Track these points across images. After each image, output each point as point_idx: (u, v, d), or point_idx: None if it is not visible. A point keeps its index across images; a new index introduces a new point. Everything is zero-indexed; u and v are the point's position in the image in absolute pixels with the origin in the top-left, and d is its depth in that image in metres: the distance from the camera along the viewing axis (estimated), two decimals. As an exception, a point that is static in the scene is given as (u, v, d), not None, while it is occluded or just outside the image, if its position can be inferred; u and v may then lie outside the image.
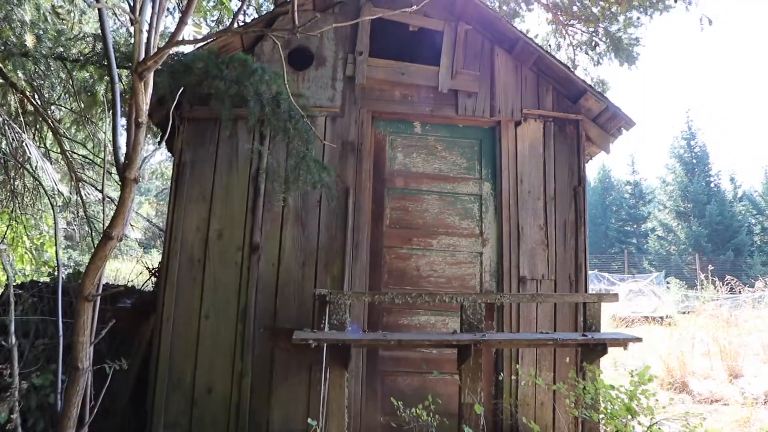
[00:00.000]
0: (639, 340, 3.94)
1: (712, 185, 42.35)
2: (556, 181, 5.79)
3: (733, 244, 37.83)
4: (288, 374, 5.04)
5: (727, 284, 13.35)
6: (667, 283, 26.28)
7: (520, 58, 5.94)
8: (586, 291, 5.56)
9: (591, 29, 9.20)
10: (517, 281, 5.51)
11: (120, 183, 2.79)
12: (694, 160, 43.09)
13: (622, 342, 3.92)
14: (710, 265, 13.27)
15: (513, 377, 5.22)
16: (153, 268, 6.82)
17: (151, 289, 6.67)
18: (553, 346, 4.60)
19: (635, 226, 47.63)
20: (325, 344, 3.70)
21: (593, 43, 9.44)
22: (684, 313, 18.49)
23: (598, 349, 3.92)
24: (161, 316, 5.08)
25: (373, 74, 5.73)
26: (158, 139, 5.46)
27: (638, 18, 8.72)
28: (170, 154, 6.01)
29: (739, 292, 15.84)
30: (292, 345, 3.76)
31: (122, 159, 2.84)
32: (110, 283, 7.91)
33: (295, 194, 5.24)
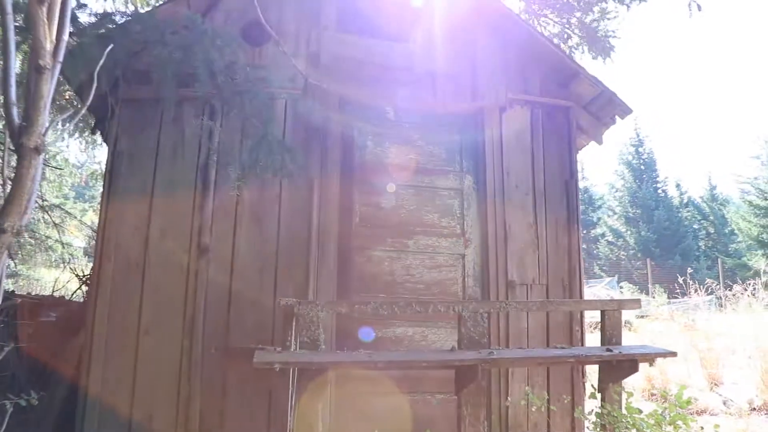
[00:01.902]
0: (674, 354, 3.33)
1: (659, 191, 42.96)
2: (545, 174, 5.19)
3: (680, 249, 38.43)
4: (244, 400, 4.26)
5: (703, 288, 13.08)
6: (621, 288, 26.43)
7: (504, 37, 5.32)
8: (581, 297, 4.96)
9: (564, 20, 8.74)
10: (504, 286, 4.86)
11: (16, 153, 2.00)
12: (642, 167, 43.61)
13: (652, 357, 3.31)
14: (689, 269, 12.98)
15: (503, 396, 4.58)
16: (84, 275, 5.91)
17: (82, 299, 5.79)
18: (575, 364, 3.97)
19: (585, 232, 47.94)
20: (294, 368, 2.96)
21: (566, 35, 8.98)
22: (641, 317, 18.44)
23: (625, 366, 3.27)
24: (92, 331, 4.24)
25: (341, 52, 5.02)
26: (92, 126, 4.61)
27: (615, 8, 8.31)
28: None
29: (692, 295, 15.72)
30: (251, 367, 3.00)
31: (18, 120, 2.05)
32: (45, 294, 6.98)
33: (251, 187, 4.47)
